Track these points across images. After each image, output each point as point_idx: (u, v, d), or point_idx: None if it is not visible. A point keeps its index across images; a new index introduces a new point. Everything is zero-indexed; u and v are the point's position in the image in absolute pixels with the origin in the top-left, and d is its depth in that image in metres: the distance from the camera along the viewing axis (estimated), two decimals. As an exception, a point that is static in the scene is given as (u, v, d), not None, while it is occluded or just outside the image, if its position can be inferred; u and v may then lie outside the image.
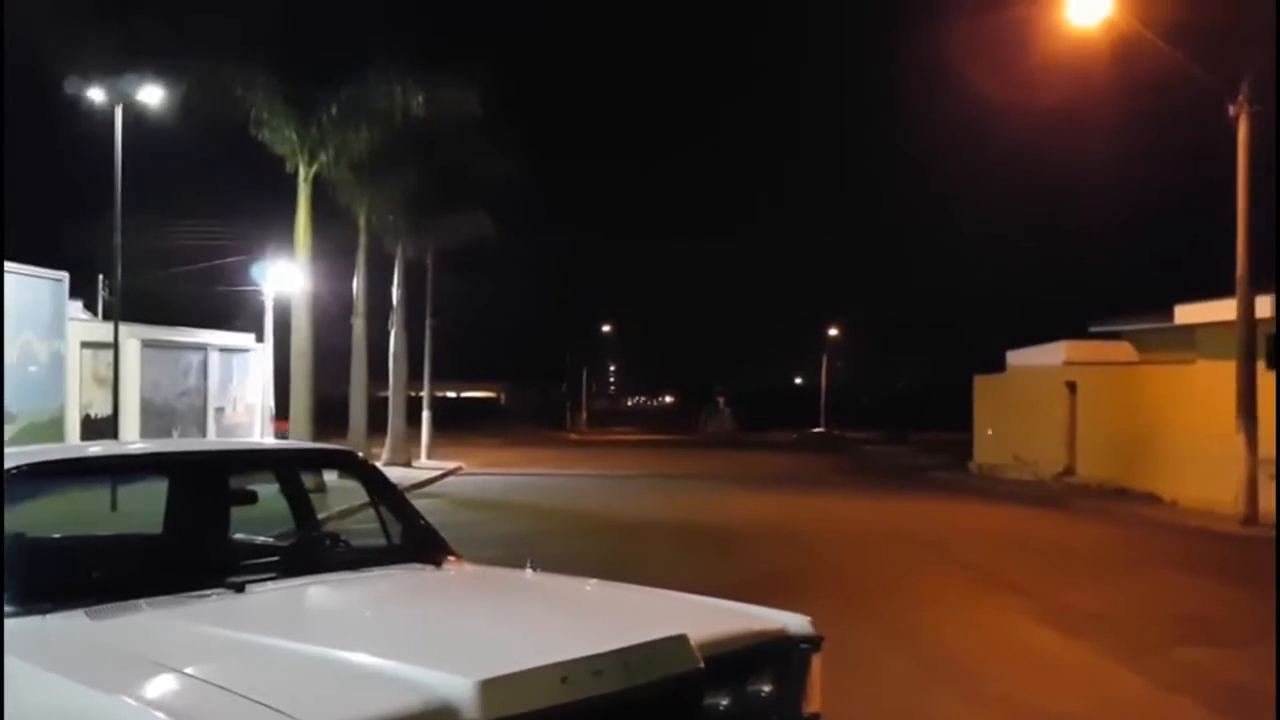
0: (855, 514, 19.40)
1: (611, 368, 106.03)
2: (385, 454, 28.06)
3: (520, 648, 2.89)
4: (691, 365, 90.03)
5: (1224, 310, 18.15)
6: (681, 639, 3.05)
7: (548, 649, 2.83)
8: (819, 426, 61.56)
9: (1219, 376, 18.24)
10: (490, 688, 2.57)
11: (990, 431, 30.72)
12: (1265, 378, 17.36)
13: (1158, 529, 17.38)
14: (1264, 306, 17.45)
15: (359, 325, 26.96)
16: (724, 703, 3.25)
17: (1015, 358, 30.00)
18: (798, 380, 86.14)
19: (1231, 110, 17.01)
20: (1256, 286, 17.18)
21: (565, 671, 2.73)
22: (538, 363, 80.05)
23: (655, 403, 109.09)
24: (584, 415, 74.31)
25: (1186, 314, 20.95)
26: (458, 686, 2.56)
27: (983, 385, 32.34)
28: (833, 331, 71.90)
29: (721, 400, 74.73)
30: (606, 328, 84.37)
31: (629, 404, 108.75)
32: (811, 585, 10.81)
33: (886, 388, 68.20)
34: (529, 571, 4.22)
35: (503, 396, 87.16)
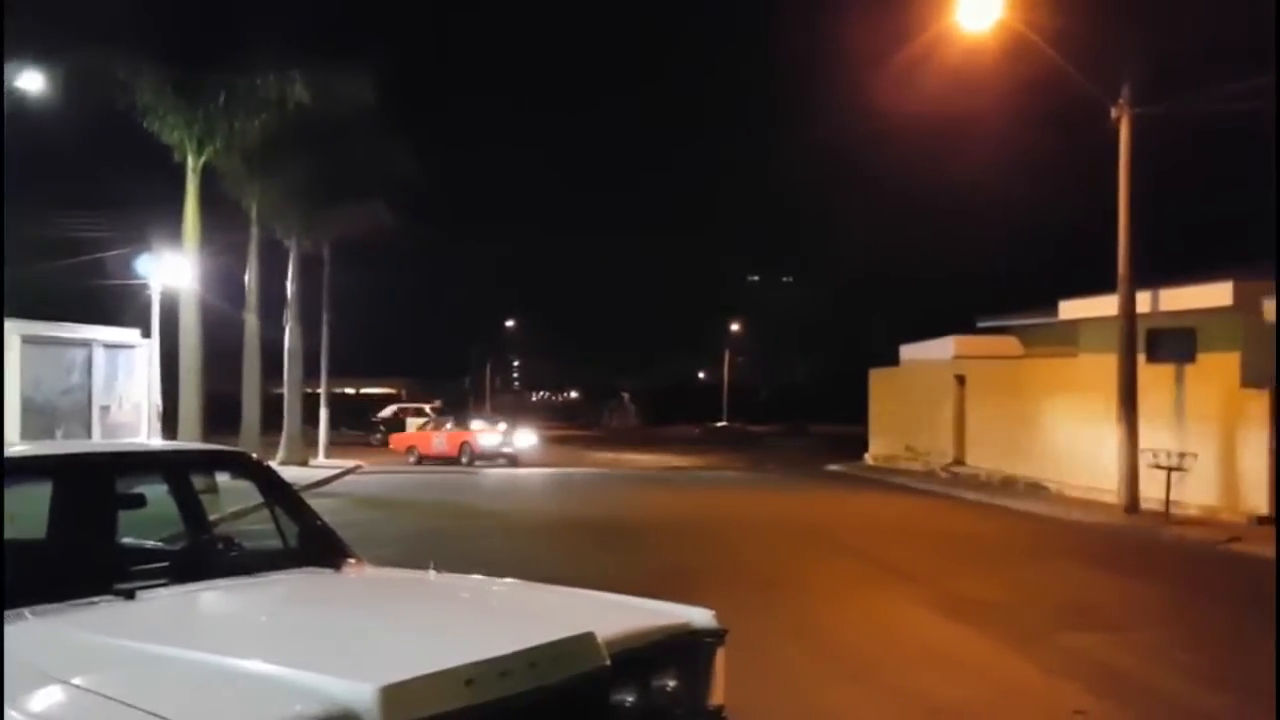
0: (754, 507, 19.65)
1: (515, 363, 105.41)
2: (280, 453, 27.46)
3: (423, 651, 2.85)
4: (596, 360, 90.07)
5: (1105, 305, 18.87)
6: (588, 637, 3.05)
7: (451, 651, 2.80)
8: (721, 420, 62.29)
9: (1100, 369, 18.97)
10: (392, 693, 2.53)
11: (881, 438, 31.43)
12: (1145, 370, 18.10)
13: (1043, 518, 18.00)
14: (1143, 302, 18.18)
15: (251, 320, 26.31)
16: (630, 699, 3.27)
17: (908, 352, 30.74)
18: (700, 375, 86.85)
19: (1114, 113, 17.66)
20: (1136, 283, 17.90)
21: (470, 674, 2.70)
22: (440, 358, 79.17)
23: (560, 398, 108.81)
24: (488, 411, 73.75)
25: (1069, 309, 21.72)
26: (358, 693, 2.52)
27: (877, 379, 33.06)
28: (734, 327, 72.73)
29: (626, 395, 74.97)
30: (510, 323, 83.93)
31: (533, 399, 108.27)
32: (711, 579, 10.91)
33: (786, 382, 69.25)
34: (431, 572, 4.17)
35: (404, 392, 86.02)
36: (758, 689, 6.23)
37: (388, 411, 36.15)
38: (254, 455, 5.38)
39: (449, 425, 32.18)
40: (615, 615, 3.46)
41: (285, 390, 29.36)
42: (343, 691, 2.53)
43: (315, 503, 4.88)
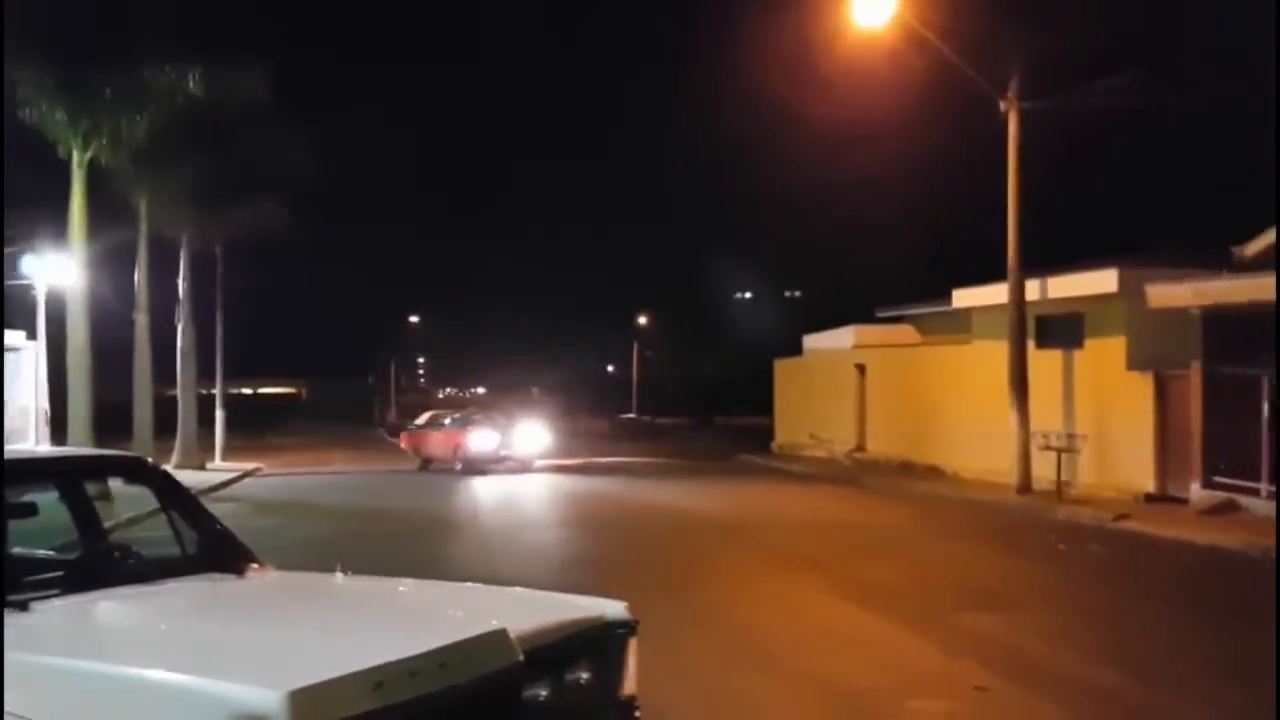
0: (662, 500, 19.74)
1: (420, 360, 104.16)
2: (175, 457, 26.68)
3: (330, 655, 2.82)
4: (503, 356, 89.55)
5: (996, 294, 19.44)
6: (500, 634, 3.05)
7: (360, 654, 2.77)
8: (630, 414, 62.45)
9: (992, 355, 19.54)
10: (300, 699, 2.49)
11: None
12: (1035, 356, 18.70)
13: (941, 501, 18.48)
14: (1033, 290, 18.78)
15: (141, 320, 25.49)
16: (544, 693, 3.28)
17: (811, 341, 31.24)
18: (610, 369, 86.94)
19: (1003, 107, 18.17)
20: (1026, 271, 18.48)
21: (379, 676, 2.68)
22: (341, 356, 77.87)
23: (467, 394, 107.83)
24: (393, 409, 72.64)
25: (962, 298, 22.32)
26: (265, 700, 2.47)
27: (782, 369, 33.54)
28: (642, 320, 72.97)
29: (535, 390, 74.56)
30: (414, 319, 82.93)
31: (440, 396, 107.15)
32: (622, 572, 10.96)
33: (694, 375, 69.72)
34: (339, 575, 4.12)
35: (304, 392, 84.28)
36: (666, 677, 6.28)
37: (423, 419, 34.82)
38: (148, 460, 5.24)
39: (446, 424, 29.45)
40: (527, 611, 3.47)
41: (179, 392, 28.51)
42: (250, 698, 2.49)
43: (213, 508, 4.77)
